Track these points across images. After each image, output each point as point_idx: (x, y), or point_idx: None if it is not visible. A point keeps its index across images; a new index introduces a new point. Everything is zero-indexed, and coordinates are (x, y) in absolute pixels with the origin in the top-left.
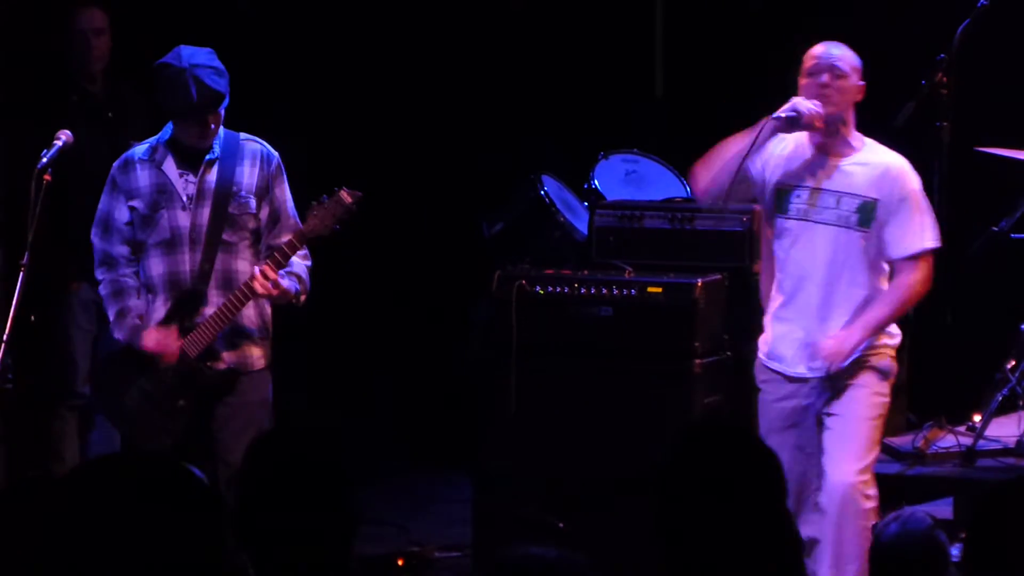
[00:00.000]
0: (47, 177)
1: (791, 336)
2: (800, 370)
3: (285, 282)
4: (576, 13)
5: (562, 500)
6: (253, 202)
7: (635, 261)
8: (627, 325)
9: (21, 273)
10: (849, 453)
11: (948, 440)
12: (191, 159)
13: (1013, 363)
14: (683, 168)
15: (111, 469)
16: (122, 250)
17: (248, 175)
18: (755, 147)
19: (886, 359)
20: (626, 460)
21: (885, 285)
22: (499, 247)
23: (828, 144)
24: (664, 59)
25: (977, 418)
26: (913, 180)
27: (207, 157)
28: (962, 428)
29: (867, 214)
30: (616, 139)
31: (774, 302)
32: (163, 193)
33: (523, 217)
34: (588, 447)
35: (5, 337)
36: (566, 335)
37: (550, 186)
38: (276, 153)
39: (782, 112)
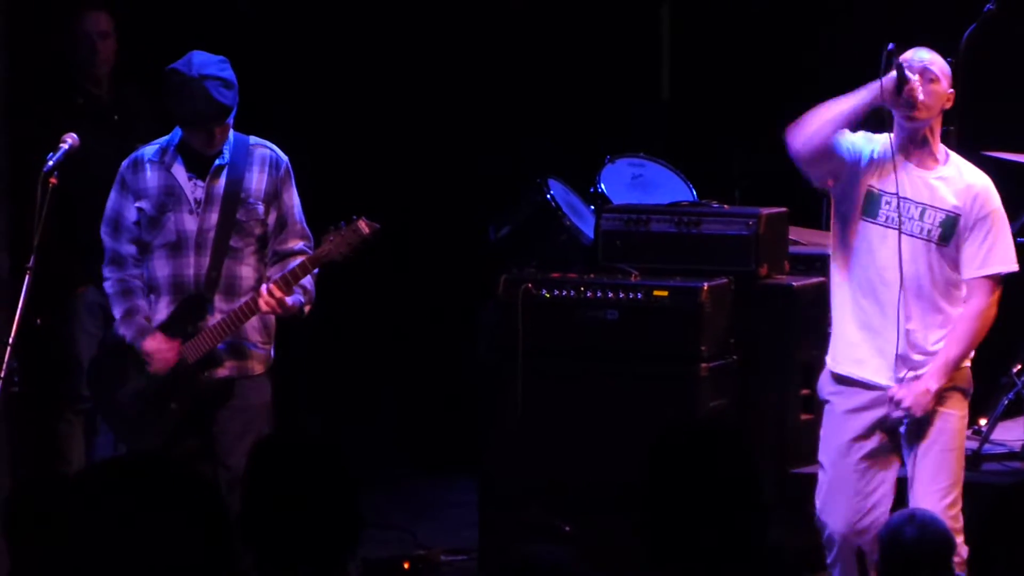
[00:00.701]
0: (53, 180)
1: (871, 344)
2: (881, 380)
3: (290, 300)
4: (582, 15)
5: (568, 503)
6: (261, 208)
7: (641, 265)
8: (633, 328)
9: (27, 276)
10: (940, 488)
11: None
12: (200, 163)
13: (1019, 367)
14: (689, 172)
15: (117, 472)
16: (131, 249)
17: (257, 181)
18: (856, 110)
19: (967, 375)
20: (632, 463)
21: (958, 308)
22: (505, 250)
23: (914, 153)
24: (670, 62)
25: (983, 422)
26: (996, 199)
27: (216, 162)
28: (969, 432)
29: (949, 229)
30: (622, 142)
31: (848, 308)
32: (171, 196)
33: (529, 221)
34: (594, 450)
35: (11, 340)
36: (572, 338)
37: (556, 190)
38: (286, 157)
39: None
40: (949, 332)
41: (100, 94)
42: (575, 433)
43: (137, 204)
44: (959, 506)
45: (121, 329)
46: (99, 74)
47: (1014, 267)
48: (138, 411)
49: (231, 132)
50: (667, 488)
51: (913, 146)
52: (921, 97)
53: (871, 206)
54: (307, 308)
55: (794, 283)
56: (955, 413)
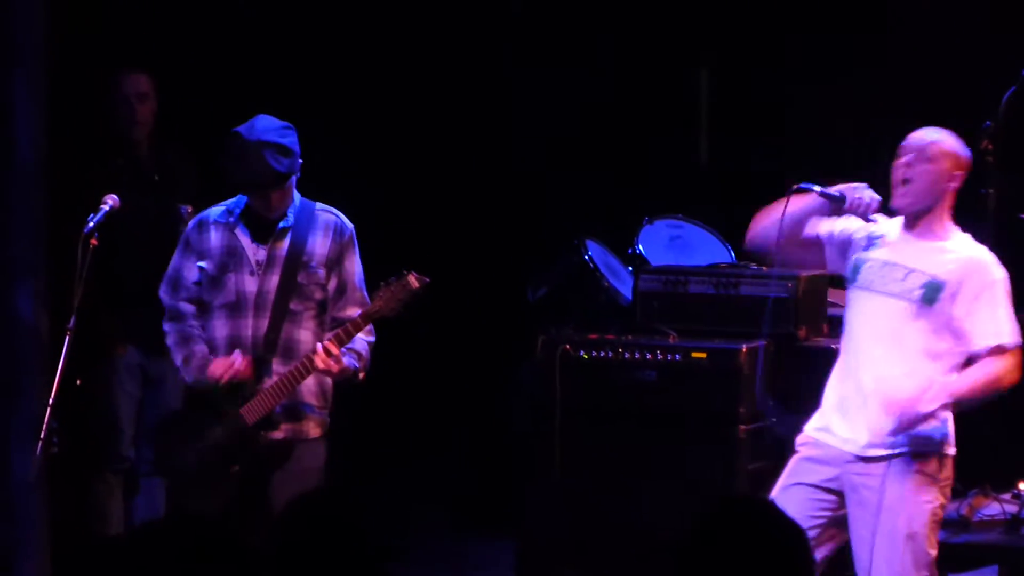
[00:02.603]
0: (93, 242)
1: (836, 403)
2: (835, 438)
3: (346, 359)
4: (623, 79)
5: (606, 564)
6: (322, 273)
7: (679, 326)
8: (671, 390)
9: (67, 337)
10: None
11: (993, 508)
12: (265, 226)
13: None
14: (728, 233)
15: (153, 535)
16: (189, 308)
17: (320, 245)
18: (786, 216)
19: (935, 465)
20: (670, 525)
21: (939, 377)
22: (543, 311)
23: (914, 228)
24: (709, 125)
25: (1022, 486)
26: (995, 273)
27: (280, 225)
28: (1007, 496)
29: (932, 292)
30: (661, 204)
31: (834, 371)
32: (233, 256)
33: (567, 281)
34: (632, 512)
35: (51, 401)
36: (610, 400)
37: (594, 251)
38: (351, 225)
39: (830, 190)
40: (964, 372)
41: (140, 155)
42: (613, 493)
43: (199, 264)
44: None
45: (185, 376)
46: (139, 135)
47: (1017, 341)
48: (200, 476)
49: (296, 196)
50: (709, 565)
51: (914, 222)
52: (869, 214)
53: (855, 272)
54: (361, 375)
55: (833, 345)
56: (918, 498)
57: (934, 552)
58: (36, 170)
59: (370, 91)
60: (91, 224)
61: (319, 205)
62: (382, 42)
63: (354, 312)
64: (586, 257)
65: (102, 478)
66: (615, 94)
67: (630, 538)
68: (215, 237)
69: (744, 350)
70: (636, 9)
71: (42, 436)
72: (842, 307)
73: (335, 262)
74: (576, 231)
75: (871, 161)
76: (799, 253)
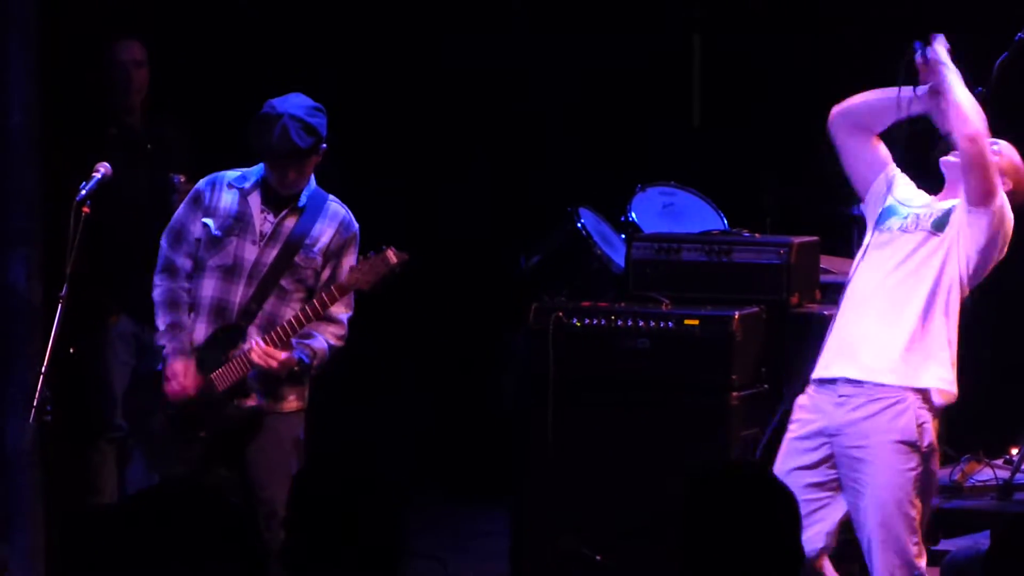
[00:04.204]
0: (85, 209)
1: (830, 339)
2: (827, 372)
3: (283, 355)
4: (614, 44)
5: (600, 533)
6: (320, 260)
7: (672, 293)
8: (664, 357)
9: (59, 306)
10: (884, 554)
11: (985, 473)
12: (277, 200)
13: None
14: (720, 200)
15: (153, 503)
16: (186, 263)
17: (325, 234)
18: (871, 100)
19: (908, 418)
20: (663, 493)
21: (943, 314)
22: (536, 279)
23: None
24: (701, 90)
25: (1015, 451)
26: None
27: (292, 203)
28: (999, 461)
29: (944, 218)
30: (653, 171)
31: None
32: (239, 221)
33: (560, 249)
34: (625, 479)
35: (44, 369)
36: (603, 367)
37: (587, 218)
38: (357, 224)
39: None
40: None
41: (133, 123)
42: (606, 461)
43: (204, 220)
44: (915, 559)
45: (163, 340)
46: (132, 103)
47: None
48: (168, 438)
49: (312, 183)
50: (701, 532)
51: (949, 190)
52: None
53: (884, 217)
54: (313, 371)
55: (825, 311)
56: (887, 468)
57: (917, 515)
58: (30, 139)
59: (359, 54)
60: (83, 192)
61: (331, 197)
62: (371, 7)
63: (336, 308)
64: (579, 225)
65: (96, 447)
66: (607, 61)
67: (624, 505)
68: (227, 198)
69: (737, 317)
70: None
71: (35, 405)
72: (835, 273)
73: (334, 254)
74: (569, 199)
75: None
76: (853, 142)
